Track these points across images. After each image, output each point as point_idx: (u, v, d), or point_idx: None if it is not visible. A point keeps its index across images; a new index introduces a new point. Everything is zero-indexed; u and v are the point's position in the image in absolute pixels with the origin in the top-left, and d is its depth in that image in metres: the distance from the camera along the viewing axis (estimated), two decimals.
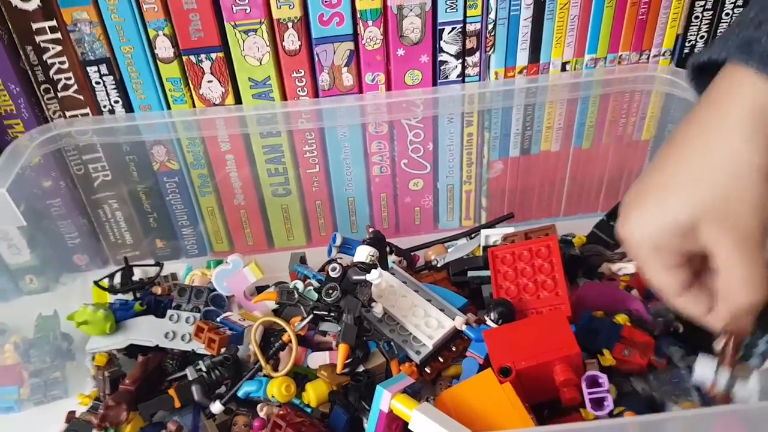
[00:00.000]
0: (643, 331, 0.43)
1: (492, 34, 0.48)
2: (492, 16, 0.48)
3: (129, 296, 0.52)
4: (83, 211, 0.56)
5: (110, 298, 0.52)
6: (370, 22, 0.47)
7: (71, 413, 0.46)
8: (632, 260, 0.51)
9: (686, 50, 0.52)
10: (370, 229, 0.50)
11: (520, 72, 0.51)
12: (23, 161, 0.47)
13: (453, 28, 0.48)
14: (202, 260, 0.58)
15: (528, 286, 0.47)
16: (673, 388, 0.42)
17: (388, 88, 0.51)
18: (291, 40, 0.48)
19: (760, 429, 0.32)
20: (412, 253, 0.55)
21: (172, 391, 0.43)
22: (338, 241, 0.51)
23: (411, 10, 0.47)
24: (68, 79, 0.49)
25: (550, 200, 0.58)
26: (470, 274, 0.52)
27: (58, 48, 0.48)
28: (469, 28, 0.48)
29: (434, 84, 0.51)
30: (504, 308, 0.45)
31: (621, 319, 0.44)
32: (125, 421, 0.44)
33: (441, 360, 0.45)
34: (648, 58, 0.51)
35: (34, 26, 0.47)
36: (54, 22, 0.47)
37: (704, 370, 0.37)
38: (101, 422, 0.44)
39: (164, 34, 0.47)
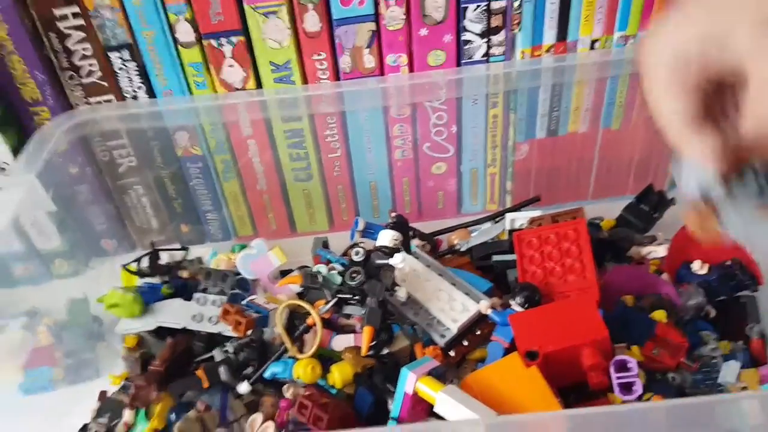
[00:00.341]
0: (679, 332, 0.42)
1: (518, 11, 0.47)
2: None
3: (156, 279, 0.53)
4: (110, 196, 0.56)
5: (138, 281, 0.53)
6: (392, 2, 0.47)
7: (103, 392, 0.47)
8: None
9: None
10: (393, 214, 0.50)
11: (548, 51, 0.49)
12: (50, 148, 0.48)
13: (477, 6, 0.47)
14: (227, 245, 0.59)
15: (555, 270, 0.46)
16: (703, 377, 0.41)
17: (411, 69, 0.50)
18: (311, 22, 0.48)
19: None
20: (435, 238, 0.54)
21: (200, 372, 0.44)
22: (361, 226, 0.51)
23: None
24: (91, 65, 0.50)
25: (578, 183, 0.57)
26: (495, 258, 0.51)
27: (81, 34, 0.48)
28: (494, 5, 0.47)
29: (458, 64, 0.50)
30: (530, 292, 0.45)
31: (658, 315, 0.43)
32: (155, 401, 0.45)
33: (465, 344, 0.44)
34: None
35: (57, 12, 0.47)
36: (76, 8, 0.47)
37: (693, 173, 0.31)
38: (132, 401, 0.45)
39: (184, 19, 0.47)
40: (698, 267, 0.44)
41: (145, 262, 0.54)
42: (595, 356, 0.37)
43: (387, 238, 0.45)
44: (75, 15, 0.47)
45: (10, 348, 0.53)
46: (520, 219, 0.50)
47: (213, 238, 0.60)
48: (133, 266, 0.54)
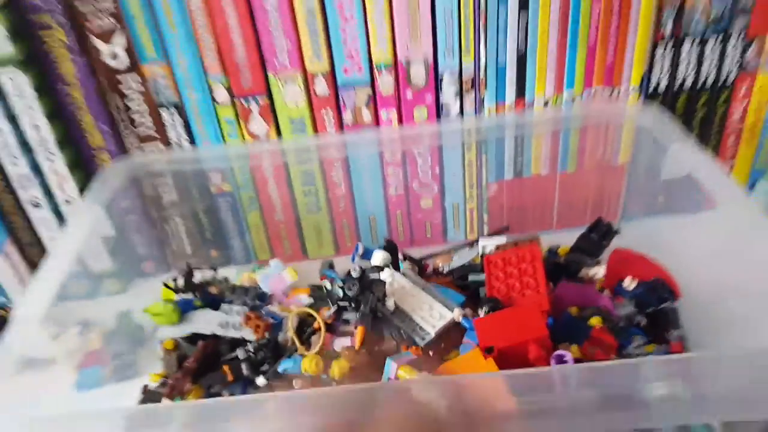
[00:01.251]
0: (611, 335, 0.51)
1: (483, 77, 0.59)
2: (482, 62, 0.58)
3: (189, 295, 0.64)
4: (152, 225, 0.68)
5: (175, 296, 0.64)
6: (384, 72, 0.59)
7: (146, 386, 0.57)
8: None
9: (651, 87, 0.61)
10: (386, 239, 0.61)
11: (510, 107, 0.61)
12: (110, 185, 0.60)
13: (451, 74, 0.59)
14: (248, 267, 0.70)
15: (515, 285, 0.56)
16: None
17: (400, 123, 0.62)
18: (321, 87, 0.60)
19: None
20: (423, 261, 0.65)
21: (226, 368, 0.54)
22: (360, 251, 0.62)
23: (416, 61, 0.58)
24: (145, 119, 0.62)
25: (543, 215, 0.67)
26: (471, 278, 0.61)
27: (138, 95, 0.60)
28: (465, 74, 0.59)
29: (438, 119, 0.61)
30: (493, 303, 0.55)
31: (594, 321, 0.52)
32: (188, 392, 0.55)
33: (442, 345, 0.54)
34: (619, 94, 0.61)
35: (120, 78, 0.60)
36: (136, 74, 0.59)
37: None
38: (170, 392, 0.55)
39: (221, 84, 0.60)
40: (628, 283, 0.54)
41: (180, 281, 0.65)
42: (538, 351, 0.47)
43: (379, 258, 0.56)
44: (134, 80, 0.60)
45: (67, 352, 0.63)
46: (489, 245, 0.61)
47: (237, 261, 0.71)
48: (172, 283, 0.65)
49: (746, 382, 0.35)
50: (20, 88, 0.57)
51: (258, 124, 0.62)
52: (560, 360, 0.47)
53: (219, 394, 0.54)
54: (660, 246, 0.59)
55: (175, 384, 0.54)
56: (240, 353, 0.55)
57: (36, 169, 0.62)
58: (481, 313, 0.53)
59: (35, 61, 0.57)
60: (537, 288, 0.55)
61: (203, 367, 0.56)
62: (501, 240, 0.59)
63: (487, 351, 0.48)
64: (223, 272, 0.66)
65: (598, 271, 0.57)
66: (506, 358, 0.48)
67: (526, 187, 0.65)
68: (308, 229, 0.69)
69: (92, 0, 0.55)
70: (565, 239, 0.64)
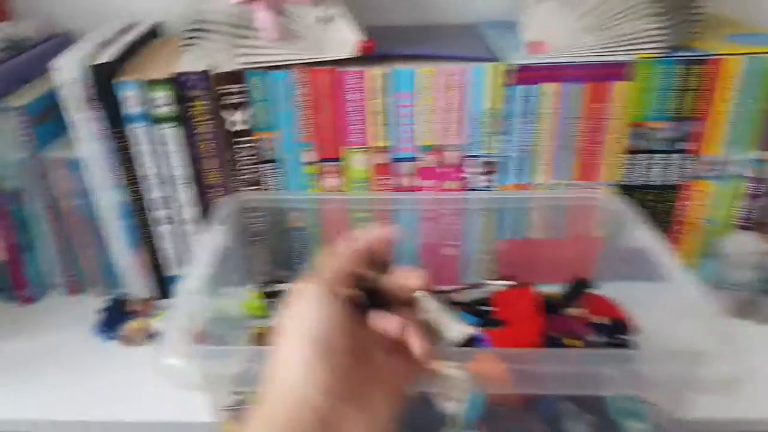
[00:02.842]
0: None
1: (498, 164, 0.81)
2: (497, 153, 0.80)
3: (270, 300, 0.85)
4: (243, 246, 0.90)
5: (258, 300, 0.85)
6: (426, 152, 0.81)
7: None
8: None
9: (626, 182, 0.83)
10: None
11: (514, 188, 0.83)
12: (228, 213, 0.82)
13: (476, 159, 0.81)
14: None
15: (515, 315, 0.77)
16: None
17: (436, 189, 0.84)
18: (380, 159, 0.82)
19: None
20: (446, 293, 0.86)
21: None
22: None
23: (450, 147, 0.80)
24: (251, 168, 0.85)
25: (539, 270, 0.87)
26: (481, 308, 0.82)
27: (249, 151, 0.84)
28: (486, 159, 0.81)
29: (463, 190, 0.84)
30: (499, 323, 0.76)
31: (576, 343, 0.72)
32: None
33: None
34: (599, 186, 0.82)
35: (239, 139, 0.83)
36: (250, 137, 0.83)
37: None
38: None
39: (308, 151, 0.83)
40: (602, 319, 0.74)
41: (262, 289, 0.87)
42: None
43: None
44: (247, 142, 0.83)
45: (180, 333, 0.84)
46: (497, 286, 0.82)
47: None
48: (257, 291, 0.86)
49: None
50: (173, 137, 0.81)
51: (331, 181, 0.85)
52: None
53: None
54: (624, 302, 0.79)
55: None
56: None
57: (169, 196, 0.85)
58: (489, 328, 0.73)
59: (183, 120, 0.82)
60: (531, 315, 0.75)
61: None
62: (505, 283, 0.81)
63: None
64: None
65: (577, 312, 0.78)
66: None
67: (526, 246, 0.86)
68: None
69: (229, 84, 0.79)
70: (552, 289, 0.84)
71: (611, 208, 0.80)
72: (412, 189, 0.84)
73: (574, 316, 0.79)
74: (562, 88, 0.76)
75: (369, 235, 0.42)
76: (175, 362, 0.56)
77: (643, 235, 0.73)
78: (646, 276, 0.70)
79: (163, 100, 0.78)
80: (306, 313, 0.38)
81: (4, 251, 0.90)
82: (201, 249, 0.74)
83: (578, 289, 0.82)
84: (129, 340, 0.82)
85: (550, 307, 0.80)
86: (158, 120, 0.80)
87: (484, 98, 0.77)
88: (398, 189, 0.84)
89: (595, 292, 0.82)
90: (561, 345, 0.72)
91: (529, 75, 0.75)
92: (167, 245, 0.88)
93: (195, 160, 0.84)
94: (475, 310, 0.81)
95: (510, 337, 0.72)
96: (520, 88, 0.76)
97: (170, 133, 0.80)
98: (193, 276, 0.68)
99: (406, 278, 0.43)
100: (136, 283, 0.91)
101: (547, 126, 0.78)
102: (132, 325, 0.84)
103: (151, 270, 0.90)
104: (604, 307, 0.78)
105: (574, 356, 0.60)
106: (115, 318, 0.86)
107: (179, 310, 0.63)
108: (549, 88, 0.76)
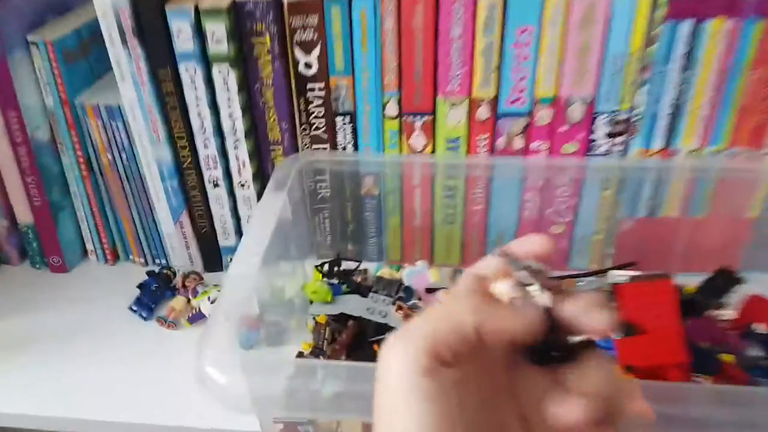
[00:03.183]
0: (742, 372, 0.55)
1: (636, 123, 0.64)
2: (639, 110, 0.64)
3: (335, 280, 0.72)
4: (306, 215, 0.76)
5: (321, 279, 0.72)
6: (544, 106, 0.65)
7: (300, 353, 0.65)
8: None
9: None
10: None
11: (655, 154, 0.66)
12: (290, 175, 0.68)
13: (606, 116, 0.65)
14: (379, 264, 0.77)
15: (647, 316, 0.61)
16: None
17: (549, 153, 0.68)
18: (483, 113, 0.66)
19: None
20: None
21: (376, 347, 0.61)
22: None
23: (577, 99, 0.64)
24: (321, 123, 0.70)
25: (667, 256, 0.71)
26: None
27: (320, 101, 0.69)
28: (620, 117, 0.64)
29: (585, 154, 0.67)
30: (628, 327, 0.60)
31: (726, 357, 0.57)
32: None
33: None
34: (760, 155, 0.65)
35: (309, 86, 0.68)
36: (323, 84, 0.68)
37: None
38: (328, 360, 0.62)
39: (395, 100, 0.67)
40: (761, 328, 0.58)
41: (326, 267, 0.73)
42: (678, 375, 0.52)
43: None
44: (320, 89, 0.68)
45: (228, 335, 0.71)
46: (623, 276, 0.66)
47: (369, 258, 0.78)
48: (321, 268, 0.73)
49: None
50: (227, 82, 0.67)
51: (418, 139, 0.69)
52: None
53: None
54: None
55: (332, 354, 0.62)
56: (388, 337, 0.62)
57: (223, 153, 0.71)
58: (615, 335, 0.58)
59: (243, 61, 0.67)
60: (669, 319, 0.59)
61: (352, 344, 0.63)
62: (636, 273, 0.64)
63: (627, 369, 0.53)
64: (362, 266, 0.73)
65: (724, 314, 0.61)
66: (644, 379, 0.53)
67: (655, 227, 0.70)
68: (440, 238, 0.75)
69: (302, 15, 0.64)
70: (686, 281, 0.68)
71: None
72: (520, 153, 0.68)
73: (721, 319, 0.63)
74: (736, 25, 0.58)
75: (526, 240, 0.31)
76: (220, 376, 0.42)
77: None
78: None
79: (220, 34, 0.64)
80: (393, 416, 0.25)
81: (33, 212, 0.78)
82: (258, 218, 0.60)
83: (724, 283, 0.65)
84: (169, 322, 0.70)
85: (687, 306, 0.63)
86: (214, 59, 0.65)
87: (631, 36, 0.60)
88: (501, 152, 0.68)
89: (743, 291, 0.66)
90: (714, 361, 0.56)
91: (692, 6, 0.58)
92: (219, 210, 0.75)
93: (255, 109, 0.69)
94: None
95: (645, 348, 0.56)
96: (679, 25, 0.59)
97: (228, 75, 0.66)
98: (248, 253, 0.55)
99: (588, 312, 0.28)
100: (181, 254, 0.78)
101: (708, 75, 0.61)
102: (174, 304, 0.72)
103: (200, 239, 0.77)
104: (761, 309, 0.61)
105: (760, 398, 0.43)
106: (156, 294, 0.73)
107: (229, 300, 0.49)
108: (717, 25, 0.59)
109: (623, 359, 0.53)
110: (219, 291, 0.71)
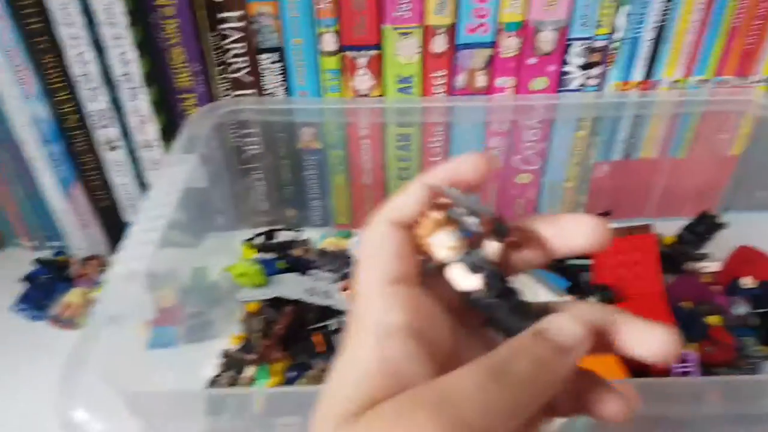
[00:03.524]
0: (730, 336, 0.49)
1: (615, 51, 0.56)
2: (618, 35, 0.55)
3: (269, 255, 0.60)
4: (231, 178, 0.63)
5: (254, 255, 0.60)
6: (510, 33, 0.55)
7: (226, 351, 0.54)
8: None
9: None
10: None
11: (634, 87, 0.58)
12: (202, 132, 0.55)
13: (582, 44, 0.55)
14: (324, 230, 0.66)
15: (626, 276, 0.54)
16: (746, 374, 0.49)
17: (516, 91, 0.58)
18: (439, 44, 0.55)
19: None
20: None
21: (317, 338, 0.51)
22: None
23: (548, 25, 0.54)
24: (242, 63, 0.57)
25: (644, 202, 0.65)
26: (570, 261, 0.59)
27: (238, 35, 0.55)
28: (596, 44, 0.55)
29: (556, 91, 0.58)
30: (605, 291, 0.53)
31: (712, 320, 0.51)
32: (277, 359, 0.52)
33: None
34: (747, 83, 0.58)
35: (222, 15, 0.54)
36: (239, 13, 0.54)
37: None
38: (260, 359, 0.52)
39: (332, 31, 0.55)
40: (749, 282, 0.52)
41: (260, 239, 0.61)
42: None
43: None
44: (237, 18, 0.55)
45: (139, 308, 0.59)
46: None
47: (313, 224, 0.67)
48: (252, 242, 0.61)
49: None
50: (111, 12, 0.52)
51: (363, 79, 0.57)
52: (683, 361, 0.46)
53: (307, 365, 0.51)
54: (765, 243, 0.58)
55: (265, 351, 0.51)
56: (334, 323, 0.52)
57: (116, 106, 0.57)
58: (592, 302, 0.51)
59: None
60: (651, 279, 0.53)
61: (289, 335, 0.53)
62: (611, 225, 0.57)
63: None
64: (303, 234, 0.62)
65: (710, 266, 0.55)
66: None
67: (632, 170, 0.63)
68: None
69: None
70: (663, 228, 0.62)
71: (763, 114, 0.56)
72: (482, 92, 0.58)
73: (700, 273, 0.57)
74: None
75: (454, 165, 0.24)
76: (94, 424, 0.31)
77: None
78: None
79: None
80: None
81: None
82: (157, 191, 0.48)
83: (706, 228, 0.60)
84: (65, 321, 0.56)
85: (667, 259, 0.57)
86: None
87: None
88: (461, 91, 0.58)
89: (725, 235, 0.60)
90: (700, 325, 0.50)
91: None
92: (120, 178, 0.61)
93: (155, 48, 0.55)
94: (566, 268, 0.58)
95: None
96: None
97: (113, 2, 0.51)
98: (137, 242, 0.43)
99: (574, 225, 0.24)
100: (79, 235, 0.64)
101: None
102: (70, 299, 0.58)
103: (101, 214, 0.63)
104: (758, 262, 0.56)
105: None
106: (47, 287, 0.59)
107: (106, 311, 0.38)
108: None
109: None
110: None
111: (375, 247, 0.23)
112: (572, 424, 0.42)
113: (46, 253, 0.64)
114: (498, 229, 0.23)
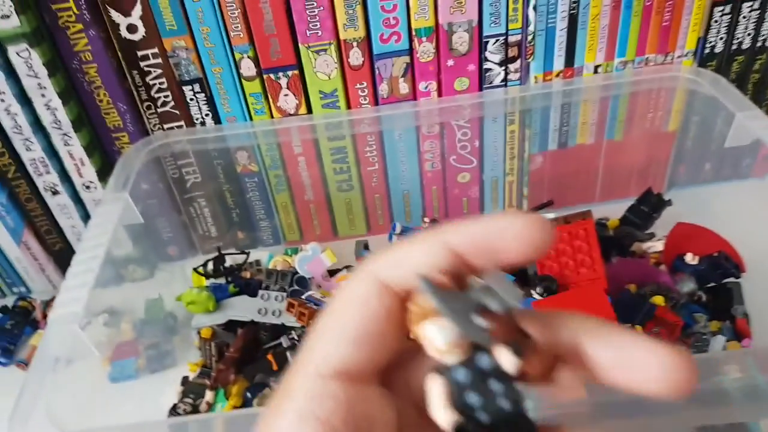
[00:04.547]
0: (674, 314, 0.49)
1: (531, 44, 0.55)
2: (531, 28, 0.54)
3: (221, 280, 0.61)
4: (177, 208, 0.64)
5: (206, 282, 0.61)
6: (423, 39, 0.54)
7: (185, 378, 0.55)
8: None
9: (707, 50, 0.58)
10: (427, 219, 0.58)
11: (557, 76, 0.57)
12: (135, 169, 0.56)
13: (497, 40, 0.55)
14: (277, 248, 0.67)
15: (569, 264, 0.54)
16: (696, 351, 0.49)
17: (440, 94, 0.58)
18: (355, 57, 0.56)
19: None
20: None
21: (270, 357, 0.52)
22: (398, 230, 0.59)
23: (459, 26, 0.54)
24: (166, 96, 0.58)
25: (586, 187, 0.64)
26: None
27: (159, 71, 0.56)
28: (511, 39, 0.55)
29: (480, 89, 0.58)
30: (548, 282, 0.53)
31: (657, 300, 0.50)
32: (233, 382, 0.53)
33: None
34: (672, 59, 0.57)
35: (140, 53, 0.55)
36: (156, 50, 0.55)
37: None
38: (214, 383, 0.53)
39: (248, 57, 0.55)
40: (690, 258, 0.52)
41: (210, 266, 0.62)
42: None
43: None
44: (154, 55, 0.55)
45: (97, 342, 0.61)
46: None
47: (265, 243, 0.68)
48: (202, 269, 0.62)
49: None
50: (31, 65, 0.53)
51: (287, 99, 0.58)
52: None
53: (264, 384, 0.52)
54: (712, 215, 0.57)
55: (218, 375, 0.52)
56: (284, 341, 0.53)
57: (52, 152, 0.58)
58: (535, 294, 0.51)
59: (46, 35, 0.53)
60: (593, 266, 0.52)
61: (244, 356, 0.54)
62: (549, 215, 0.57)
63: None
64: (253, 255, 0.63)
65: (655, 246, 0.55)
66: None
67: (570, 158, 0.62)
68: (339, 208, 0.66)
69: None
70: (610, 211, 0.61)
71: (692, 88, 0.56)
72: (406, 97, 0.58)
73: (648, 253, 0.57)
74: None
75: (494, 227, 0.17)
76: None
77: (743, 121, 0.50)
78: (741, 175, 0.47)
79: (5, 7, 0.49)
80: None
81: None
82: (96, 226, 0.49)
83: (649, 211, 0.59)
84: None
85: (612, 242, 0.57)
86: (6, 39, 0.51)
87: None
88: (386, 100, 0.58)
89: (671, 212, 0.59)
90: (646, 306, 0.49)
91: None
92: (67, 221, 0.62)
93: (81, 92, 0.56)
94: None
95: (568, 307, 0.49)
96: None
97: (30, 56, 0.52)
98: (71, 288, 0.44)
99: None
100: (38, 279, 0.66)
101: None
102: (35, 342, 0.60)
103: (53, 258, 0.64)
104: (698, 238, 0.55)
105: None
106: (13, 333, 0.61)
107: (46, 361, 0.39)
108: None
109: None
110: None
111: (336, 314, 0.17)
112: None
113: (8, 301, 0.66)
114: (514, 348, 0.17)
